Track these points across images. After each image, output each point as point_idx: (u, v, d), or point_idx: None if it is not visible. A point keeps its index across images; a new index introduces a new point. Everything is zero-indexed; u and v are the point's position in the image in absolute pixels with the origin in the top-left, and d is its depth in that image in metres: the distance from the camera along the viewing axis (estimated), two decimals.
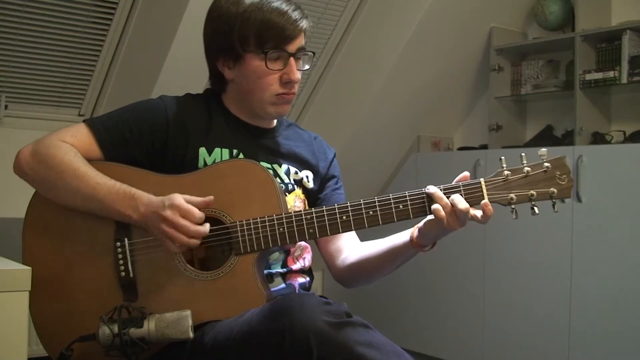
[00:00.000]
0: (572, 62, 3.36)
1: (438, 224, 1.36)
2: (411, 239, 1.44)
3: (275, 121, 1.62)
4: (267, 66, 1.47)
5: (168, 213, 1.32)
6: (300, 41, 1.50)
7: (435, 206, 1.35)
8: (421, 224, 1.42)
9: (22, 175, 1.47)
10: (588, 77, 3.22)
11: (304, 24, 1.49)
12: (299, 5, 1.51)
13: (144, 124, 1.48)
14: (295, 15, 1.47)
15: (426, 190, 1.37)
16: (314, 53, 1.56)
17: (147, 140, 1.48)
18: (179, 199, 1.34)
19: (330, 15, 3.37)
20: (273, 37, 1.45)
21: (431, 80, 3.66)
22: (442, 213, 1.34)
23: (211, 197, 1.37)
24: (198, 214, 1.34)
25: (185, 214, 1.33)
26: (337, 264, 1.59)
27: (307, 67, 1.54)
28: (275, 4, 1.46)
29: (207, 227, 1.35)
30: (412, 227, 1.46)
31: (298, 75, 1.50)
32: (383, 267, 1.53)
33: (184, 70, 2.84)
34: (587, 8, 3.30)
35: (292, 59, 1.48)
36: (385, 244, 1.51)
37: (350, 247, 1.59)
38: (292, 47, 1.48)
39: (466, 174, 1.40)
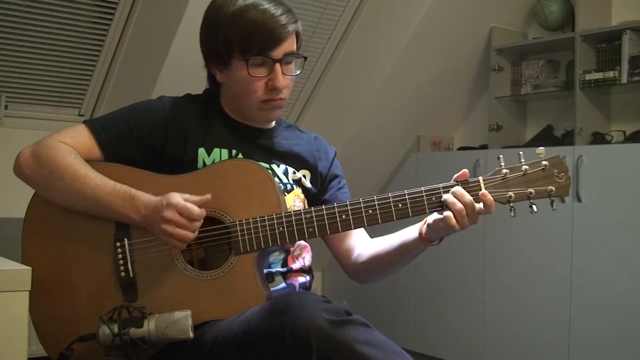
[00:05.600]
0: (572, 62, 3.36)
1: (449, 228, 1.36)
2: (420, 234, 1.44)
3: (274, 122, 1.62)
4: (249, 73, 1.45)
5: (167, 213, 1.32)
6: (289, 46, 1.46)
7: (447, 213, 1.35)
8: (430, 219, 1.41)
9: (22, 176, 1.47)
10: (588, 77, 3.22)
11: (291, 28, 1.45)
12: (289, 8, 1.48)
13: (144, 124, 1.49)
14: (283, 19, 1.44)
15: (442, 199, 1.36)
16: (305, 57, 1.53)
17: (147, 140, 1.48)
18: (176, 197, 1.34)
19: (330, 15, 3.38)
20: (256, 43, 1.43)
21: (431, 80, 3.66)
22: (454, 221, 1.34)
23: (208, 196, 1.36)
24: (196, 210, 1.34)
25: (182, 212, 1.33)
26: (351, 262, 1.59)
27: (298, 72, 1.51)
28: (263, 7, 1.43)
29: (203, 212, 1.34)
30: (420, 221, 1.46)
31: (284, 81, 1.47)
32: (395, 262, 1.53)
33: (184, 71, 2.84)
34: (587, 8, 3.29)
35: (277, 65, 1.45)
36: (396, 240, 1.50)
37: (362, 245, 1.59)
38: (277, 53, 1.45)
39: (465, 171, 1.40)
